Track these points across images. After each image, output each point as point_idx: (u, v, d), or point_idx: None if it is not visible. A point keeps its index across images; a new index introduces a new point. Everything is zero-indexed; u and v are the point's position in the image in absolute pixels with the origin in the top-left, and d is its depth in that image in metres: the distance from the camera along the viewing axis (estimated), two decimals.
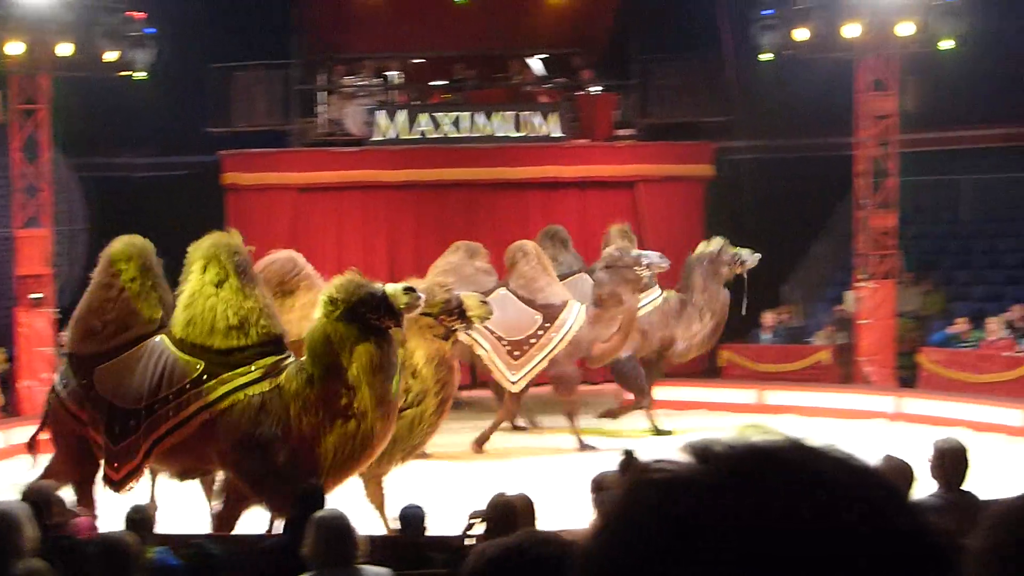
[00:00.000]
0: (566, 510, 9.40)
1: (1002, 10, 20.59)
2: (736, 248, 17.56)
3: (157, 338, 10.37)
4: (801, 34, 20.05)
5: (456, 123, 21.61)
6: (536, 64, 23.45)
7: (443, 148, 21.52)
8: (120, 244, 10.79)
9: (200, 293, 10.21)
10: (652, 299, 17.58)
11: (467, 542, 8.05)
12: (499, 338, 16.26)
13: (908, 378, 19.67)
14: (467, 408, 19.60)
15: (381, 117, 21.61)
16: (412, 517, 8.47)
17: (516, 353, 16.28)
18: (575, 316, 16.19)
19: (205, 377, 10.04)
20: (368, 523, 10.11)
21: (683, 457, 1.20)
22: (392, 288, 9.86)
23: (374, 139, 21.55)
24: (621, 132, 22.39)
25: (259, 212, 21.47)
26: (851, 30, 19.82)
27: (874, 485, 1.17)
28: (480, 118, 21.64)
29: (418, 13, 22.46)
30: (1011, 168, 24.75)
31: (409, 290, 9.87)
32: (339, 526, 6.04)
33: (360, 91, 22.64)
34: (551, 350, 16.19)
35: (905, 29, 19.68)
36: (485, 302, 11.67)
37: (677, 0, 22.81)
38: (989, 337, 18.75)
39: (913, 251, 22.70)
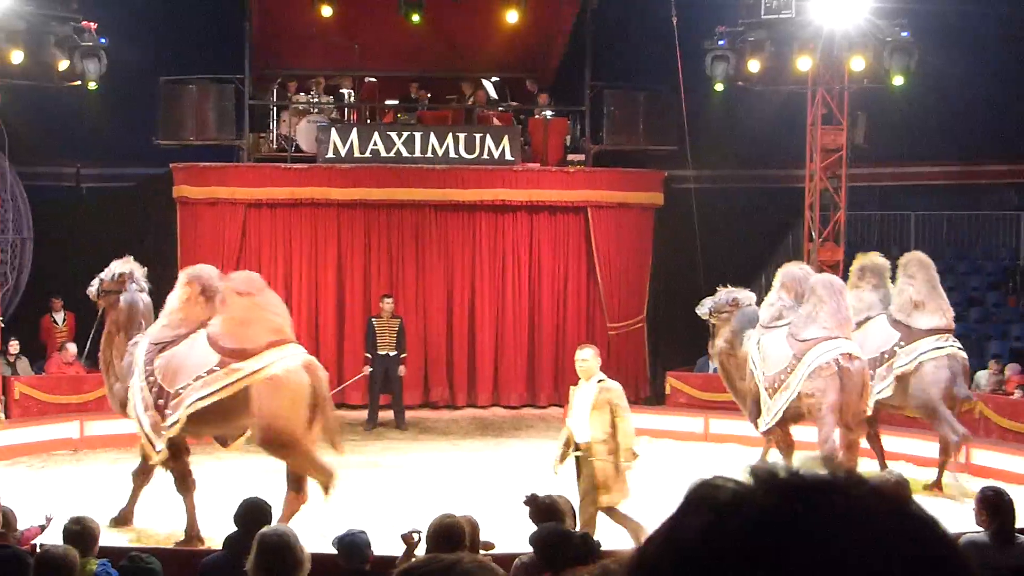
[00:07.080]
0: (511, 533, 9.36)
1: (951, 49, 20.81)
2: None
3: None
4: (753, 66, 20.17)
5: (408, 143, 21.56)
6: (489, 86, 23.45)
7: (395, 167, 21.45)
8: None
9: None
10: None
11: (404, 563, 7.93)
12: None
13: None
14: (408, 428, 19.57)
15: (333, 134, 21.54)
16: (353, 544, 7.68)
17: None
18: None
19: None
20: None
21: (745, 479, 1.22)
22: None
23: (326, 156, 21.47)
24: (572, 157, 22.42)
25: (209, 225, 21.41)
26: (803, 63, 19.96)
27: (918, 527, 1.19)
28: (432, 138, 21.61)
29: (372, 31, 22.41)
30: (956, 205, 25.04)
31: None
32: (281, 543, 5.96)
33: (312, 108, 22.57)
34: None
35: (857, 64, 19.85)
36: None
37: (629, 28, 22.89)
38: None
39: None
